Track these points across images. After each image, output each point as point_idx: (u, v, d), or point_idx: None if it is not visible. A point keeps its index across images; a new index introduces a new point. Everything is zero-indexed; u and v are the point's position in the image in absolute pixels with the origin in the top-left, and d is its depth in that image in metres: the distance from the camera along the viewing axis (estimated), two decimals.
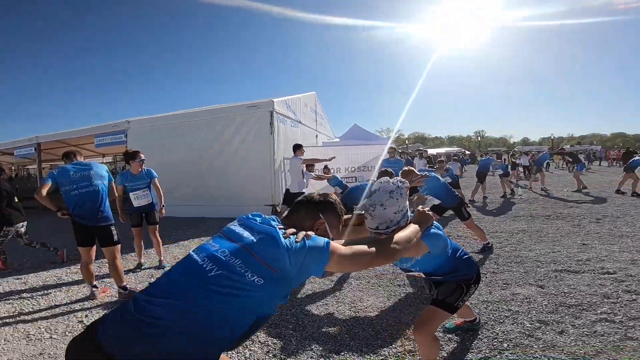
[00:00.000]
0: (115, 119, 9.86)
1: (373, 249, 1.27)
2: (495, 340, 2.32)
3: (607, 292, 3.01)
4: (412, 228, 1.50)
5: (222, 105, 9.21)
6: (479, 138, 76.18)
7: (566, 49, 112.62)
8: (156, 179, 4.40)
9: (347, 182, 7.56)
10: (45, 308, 3.34)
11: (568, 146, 46.98)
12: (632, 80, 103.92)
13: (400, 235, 1.41)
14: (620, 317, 2.52)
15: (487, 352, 2.19)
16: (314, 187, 8.36)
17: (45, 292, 3.76)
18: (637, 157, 10.04)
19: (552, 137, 49.28)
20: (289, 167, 7.03)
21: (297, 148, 6.77)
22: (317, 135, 12.42)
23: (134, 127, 9.35)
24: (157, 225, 4.46)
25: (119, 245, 3.37)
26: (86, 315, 3.11)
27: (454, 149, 44.19)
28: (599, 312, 2.63)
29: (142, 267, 4.41)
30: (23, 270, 4.67)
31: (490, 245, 4.59)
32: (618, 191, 9.13)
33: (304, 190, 6.42)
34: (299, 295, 3.41)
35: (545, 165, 15.51)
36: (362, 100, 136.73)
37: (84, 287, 3.77)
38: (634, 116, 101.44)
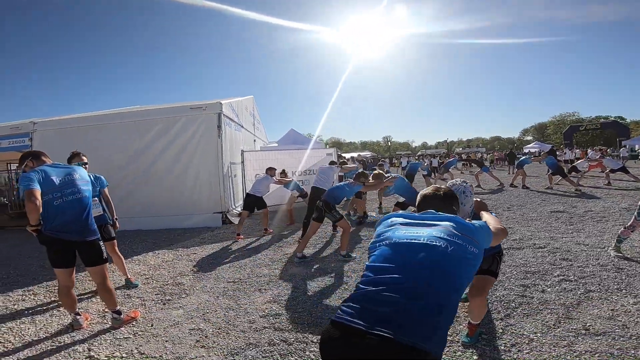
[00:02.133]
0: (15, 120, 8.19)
1: (500, 227, 1.59)
2: (503, 301, 2.81)
3: (550, 261, 3.82)
4: (488, 214, 1.81)
5: (159, 106, 8.41)
6: (388, 143, 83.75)
7: (455, 63, 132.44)
8: (106, 188, 3.90)
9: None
10: (22, 346, 2.64)
11: (460, 149, 54.78)
12: (503, 92, 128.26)
13: (495, 219, 1.72)
14: (572, 277, 3.26)
15: (504, 311, 2.65)
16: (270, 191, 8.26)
17: (3, 326, 2.99)
18: (523, 157, 12.58)
19: (447, 141, 57.16)
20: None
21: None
22: (254, 140, 12.26)
23: (41, 129, 7.92)
24: (115, 240, 3.86)
25: (107, 264, 2.83)
26: (89, 349, 2.55)
27: (367, 153, 47.70)
28: (555, 274, 3.35)
29: None
30: None
31: None
32: (512, 185, 11.22)
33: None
34: (310, 293, 3.47)
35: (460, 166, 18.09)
36: (293, 105, 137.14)
37: (50, 315, 3.17)
38: (505, 121, 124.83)
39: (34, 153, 2.77)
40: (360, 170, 4.91)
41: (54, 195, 2.54)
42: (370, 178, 4.74)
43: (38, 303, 3.50)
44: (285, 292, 3.58)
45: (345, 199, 5.12)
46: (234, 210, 8.14)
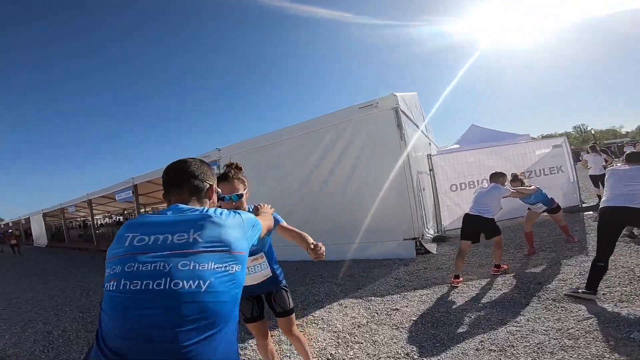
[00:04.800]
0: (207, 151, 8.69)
1: None
2: None
3: None
4: None
5: (325, 114, 7.32)
6: (591, 131, 64.16)
7: None
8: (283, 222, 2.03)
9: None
10: None
11: None
12: None
13: None
14: None
15: None
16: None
17: None
18: None
19: None
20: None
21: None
22: (430, 144, 9.98)
23: (225, 155, 8.03)
24: (293, 315, 2.19)
25: None
26: None
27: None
28: None
29: None
30: None
31: None
32: None
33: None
34: None
35: None
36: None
37: None
38: None
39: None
40: None
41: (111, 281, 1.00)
42: None
43: None
44: None
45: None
46: (427, 235, 6.05)
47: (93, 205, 16.03)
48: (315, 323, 3.37)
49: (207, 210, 1.12)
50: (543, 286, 3.42)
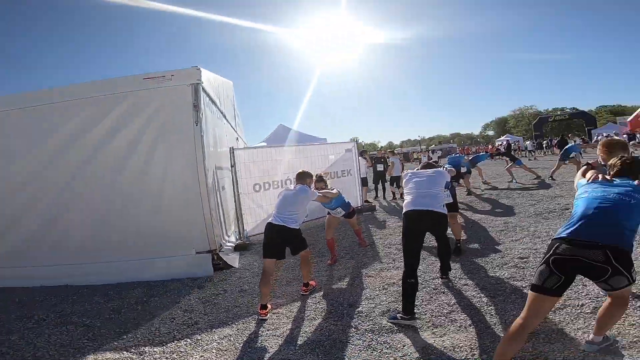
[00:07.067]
0: None
1: None
2: None
3: None
4: None
5: (86, 82, 4.99)
6: (362, 143, 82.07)
7: (407, 64, 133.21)
8: None
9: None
10: None
11: (433, 145, 55.04)
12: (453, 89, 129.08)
13: None
14: None
15: None
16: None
17: None
18: (571, 144, 10.61)
19: (422, 138, 59.82)
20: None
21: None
22: (237, 139, 9.04)
23: None
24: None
25: None
26: None
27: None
28: None
29: None
30: None
31: None
32: (551, 177, 9.13)
33: None
34: None
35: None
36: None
37: None
38: (458, 119, 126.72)
39: None
40: None
41: None
42: None
43: None
44: None
45: None
46: (228, 244, 5.04)
47: None
48: None
49: None
50: (355, 309, 2.96)
